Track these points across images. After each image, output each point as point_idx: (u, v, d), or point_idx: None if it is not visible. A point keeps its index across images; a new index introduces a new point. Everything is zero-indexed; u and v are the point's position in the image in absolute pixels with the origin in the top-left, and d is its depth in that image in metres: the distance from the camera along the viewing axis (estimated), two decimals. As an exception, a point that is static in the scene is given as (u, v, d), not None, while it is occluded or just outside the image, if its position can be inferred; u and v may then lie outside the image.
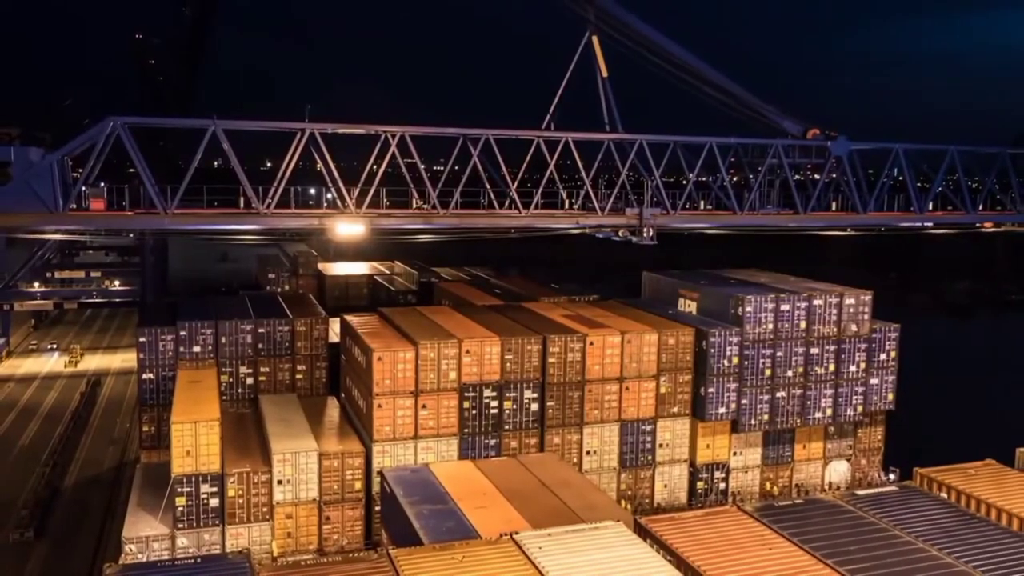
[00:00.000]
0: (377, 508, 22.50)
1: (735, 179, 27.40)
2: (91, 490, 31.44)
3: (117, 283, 55.97)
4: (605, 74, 25.79)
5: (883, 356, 27.20)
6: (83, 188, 21.56)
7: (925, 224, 28.25)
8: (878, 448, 28.13)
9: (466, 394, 23.57)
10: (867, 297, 26.95)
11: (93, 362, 50.90)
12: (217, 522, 21.31)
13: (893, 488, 21.53)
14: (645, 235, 23.79)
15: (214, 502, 21.22)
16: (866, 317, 26.84)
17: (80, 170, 21.52)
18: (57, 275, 59.12)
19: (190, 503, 21.09)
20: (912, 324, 27.58)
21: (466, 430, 23.59)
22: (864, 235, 29.75)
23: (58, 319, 63.97)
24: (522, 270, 40.89)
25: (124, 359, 45.31)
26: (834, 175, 26.97)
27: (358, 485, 22.45)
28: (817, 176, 26.50)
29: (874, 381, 27.06)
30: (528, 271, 41.79)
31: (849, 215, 28.28)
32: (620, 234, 24.13)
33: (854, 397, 26.85)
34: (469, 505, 19.73)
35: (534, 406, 24.21)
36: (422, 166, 22.62)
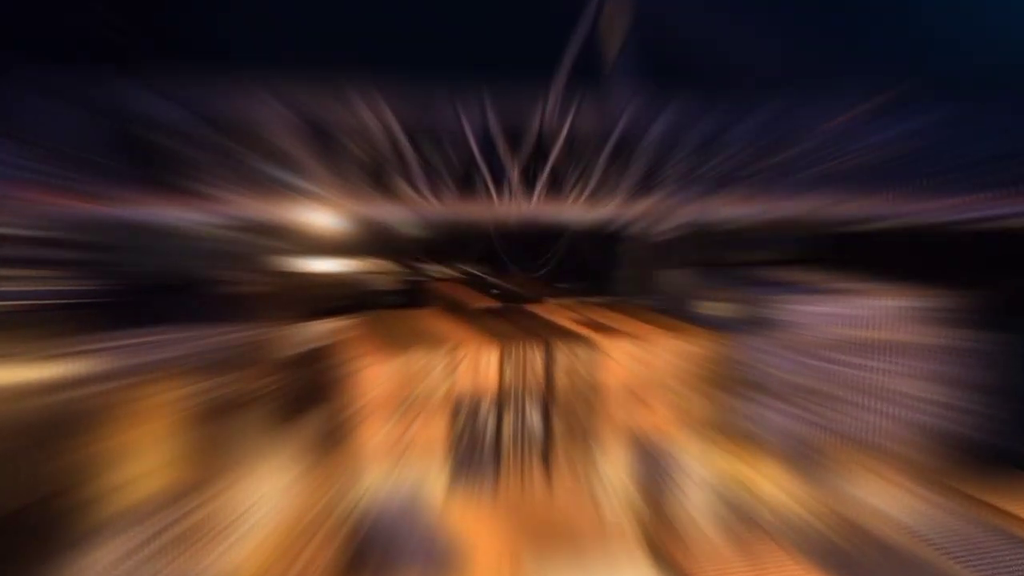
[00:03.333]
0: (360, 533, 19.98)
1: (775, 158, 25.29)
2: (31, 519, 29.68)
3: (63, 283, 53.49)
4: (622, 39, 23.81)
5: (946, 367, 24.48)
6: (17, 172, 19.54)
7: (1001, 214, 25.88)
8: (939, 472, 25.48)
9: (460, 407, 21.26)
10: (923, 300, 24.35)
11: (35, 371, 48.97)
12: (180, 550, 18.99)
13: (958, 521, 19.80)
14: (665, 227, 22.08)
15: (176, 528, 19.19)
16: (927, 323, 24.25)
17: (12, 150, 19.49)
18: None
19: (148, 529, 18.96)
20: (985, 331, 25.23)
21: (459, 447, 21.15)
22: (931, 226, 27.42)
23: None
24: (523, 268, 39.45)
25: (70, 368, 43.48)
26: (904, 151, 24.39)
27: (338, 508, 20.15)
28: (883, 153, 24.12)
29: (934, 395, 24.45)
30: (530, 269, 40.40)
31: (912, 202, 25.92)
32: (636, 227, 22.41)
33: (910, 414, 24.31)
34: (463, 530, 18.48)
35: (537, 421, 21.90)
36: (410, 148, 20.60)
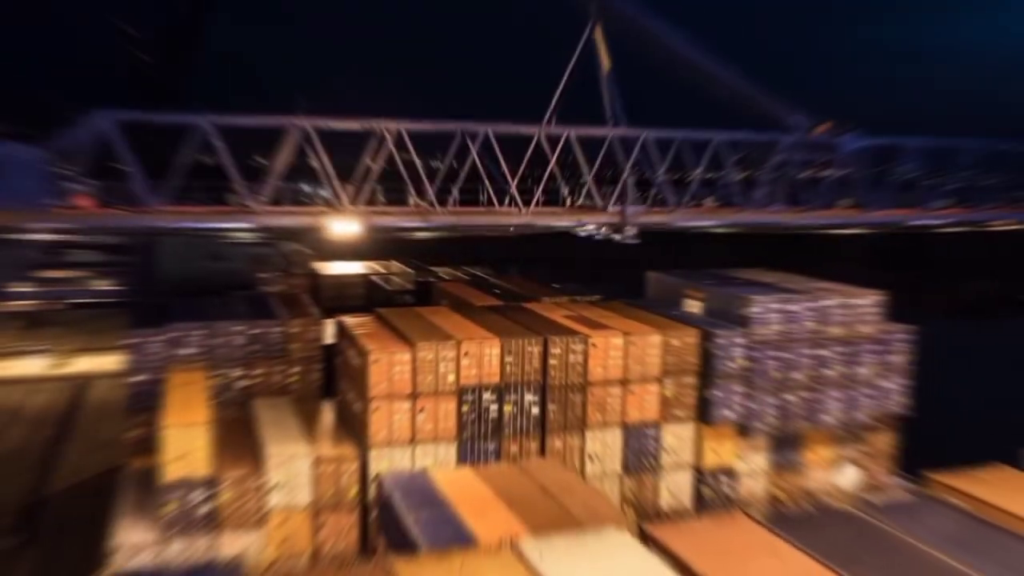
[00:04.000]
0: (373, 514, 21.55)
1: (742, 176, 26.85)
2: (79, 496, 30.51)
3: (106, 283, 54.36)
4: (608, 67, 25.28)
5: (895, 358, 26.34)
6: (71, 185, 20.97)
7: (936, 222, 27.75)
8: (890, 453, 27.09)
9: (465, 397, 22.66)
10: (878, 298, 26.19)
11: (82, 364, 49.69)
12: (209, 528, 20.36)
13: (906, 494, 21.02)
14: (627, 233, 23.12)
15: (205, 508, 20.28)
16: (877, 318, 26.03)
17: (68, 167, 20.99)
18: (44, 275, 57.51)
19: (181, 509, 20.06)
20: (926, 325, 26.98)
21: (465, 434, 22.67)
22: (876, 234, 29.34)
23: (46, 320, 62.45)
24: (522, 270, 40.06)
25: (113, 361, 44.22)
26: (843, 171, 26.42)
27: (353, 490, 21.61)
28: (826, 173, 26.00)
29: (885, 384, 26.23)
30: (528, 270, 40.92)
31: (858, 213, 27.67)
32: (603, 232, 23.52)
33: (865, 400, 25.98)
34: (468, 511, 18.83)
35: (535, 409, 23.30)
36: (419, 161, 22.12)
